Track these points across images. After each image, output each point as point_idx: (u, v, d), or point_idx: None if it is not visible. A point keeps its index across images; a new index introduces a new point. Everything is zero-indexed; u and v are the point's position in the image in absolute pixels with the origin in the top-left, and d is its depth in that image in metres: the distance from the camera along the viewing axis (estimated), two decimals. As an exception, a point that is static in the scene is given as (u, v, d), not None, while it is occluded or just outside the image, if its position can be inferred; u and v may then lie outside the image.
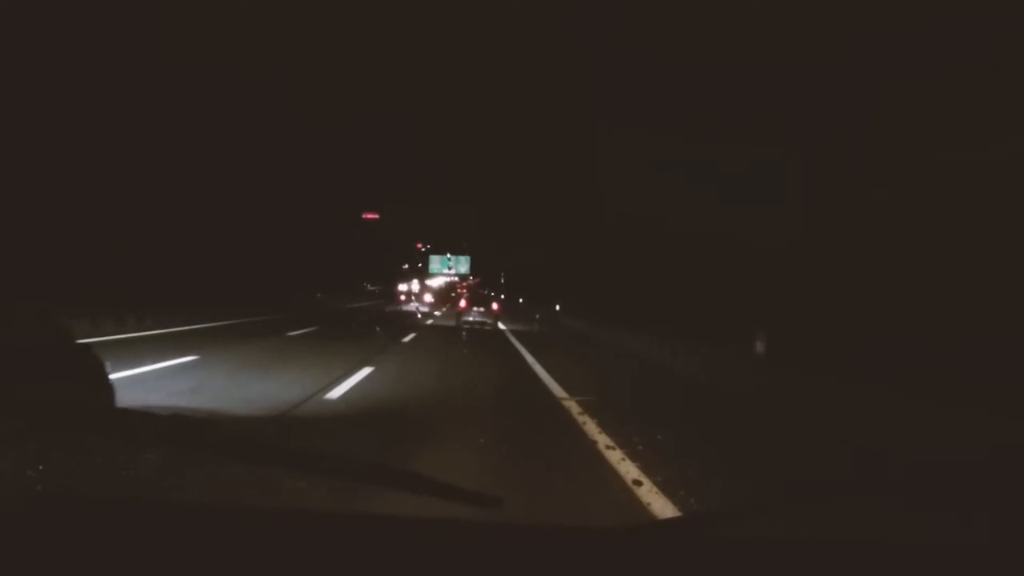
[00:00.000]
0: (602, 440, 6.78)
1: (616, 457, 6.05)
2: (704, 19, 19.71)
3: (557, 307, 41.83)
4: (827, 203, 15.76)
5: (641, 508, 4.61)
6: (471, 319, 28.02)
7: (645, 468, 5.57)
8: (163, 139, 26.81)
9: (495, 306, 29.94)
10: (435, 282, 76.26)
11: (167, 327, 18.83)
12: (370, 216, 71.88)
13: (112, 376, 5.58)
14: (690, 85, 20.66)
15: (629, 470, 5.56)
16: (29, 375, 4.54)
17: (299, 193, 47.81)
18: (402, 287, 75.52)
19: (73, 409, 1.35)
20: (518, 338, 22.82)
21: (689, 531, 1.40)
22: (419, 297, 64.63)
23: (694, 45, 20.45)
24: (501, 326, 29.01)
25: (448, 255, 75.36)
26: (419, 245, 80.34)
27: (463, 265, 75.06)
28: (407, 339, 19.76)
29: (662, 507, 4.61)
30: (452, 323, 28.68)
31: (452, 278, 75.97)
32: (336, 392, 9.01)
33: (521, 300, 55.83)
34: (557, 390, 10.54)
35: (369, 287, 79.49)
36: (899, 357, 11.48)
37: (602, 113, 29.31)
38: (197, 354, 12.40)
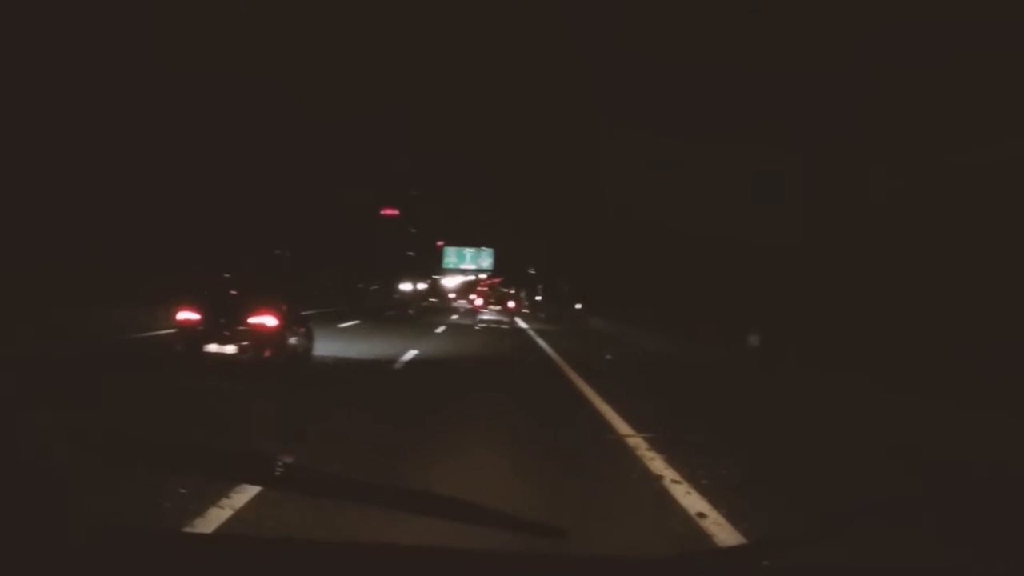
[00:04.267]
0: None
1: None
2: (704, 20, 19.72)
3: (578, 306, 41.93)
4: (827, 203, 15.78)
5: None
6: (487, 317, 27.58)
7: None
8: (164, 140, 26.77)
9: (512, 304, 29.44)
10: (451, 281, 67.52)
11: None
12: (389, 213, 65.99)
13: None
14: (690, 85, 20.67)
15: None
16: (294, 326, 10.66)
17: (308, 193, 46.98)
18: (403, 286, 72.34)
19: (128, 443, 1.40)
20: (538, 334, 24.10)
21: (751, 561, 1.41)
22: (464, 295, 59.62)
23: (694, 46, 20.46)
24: (522, 324, 28.79)
25: (467, 248, 65.40)
26: (439, 244, 71.74)
27: (486, 259, 64.31)
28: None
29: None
30: (469, 322, 28.21)
31: (471, 276, 66.32)
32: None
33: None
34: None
35: (372, 287, 74.74)
36: (900, 355, 11.52)
37: (603, 113, 29.29)
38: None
